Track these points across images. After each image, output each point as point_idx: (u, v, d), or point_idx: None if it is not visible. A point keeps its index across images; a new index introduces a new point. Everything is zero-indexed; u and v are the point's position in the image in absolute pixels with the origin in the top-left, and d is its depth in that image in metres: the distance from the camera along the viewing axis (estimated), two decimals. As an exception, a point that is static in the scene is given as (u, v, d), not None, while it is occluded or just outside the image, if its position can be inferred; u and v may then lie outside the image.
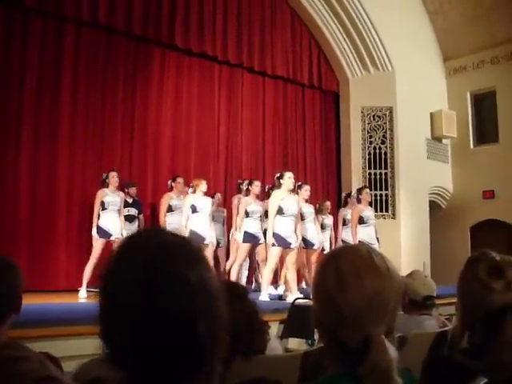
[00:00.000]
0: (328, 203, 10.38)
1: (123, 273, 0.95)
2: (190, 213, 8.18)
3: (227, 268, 8.90)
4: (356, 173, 12.67)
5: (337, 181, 13.07)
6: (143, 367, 0.93)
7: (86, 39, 9.45)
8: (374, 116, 12.85)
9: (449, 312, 5.39)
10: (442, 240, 12.96)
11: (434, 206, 13.44)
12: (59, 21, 9.14)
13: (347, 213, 9.85)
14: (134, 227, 8.72)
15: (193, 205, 8.17)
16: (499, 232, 12.47)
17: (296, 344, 5.46)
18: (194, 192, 8.29)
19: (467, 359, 1.55)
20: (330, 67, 12.96)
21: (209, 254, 8.11)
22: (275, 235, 7.76)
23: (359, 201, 9.47)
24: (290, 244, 7.86)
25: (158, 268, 0.94)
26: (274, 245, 7.77)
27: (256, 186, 8.75)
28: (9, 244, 8.11)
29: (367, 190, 9.91)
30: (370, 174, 12.69)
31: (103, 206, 8.20)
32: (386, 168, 12.70)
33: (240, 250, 8.50)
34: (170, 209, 8.82)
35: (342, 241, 9.71)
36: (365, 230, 9.15)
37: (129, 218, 8.85)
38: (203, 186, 8.31)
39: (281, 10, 12.03)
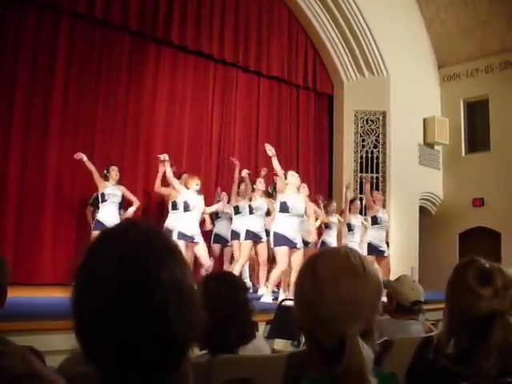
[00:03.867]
0: (334, 204, 10.32)
1: (96, 268, 0.94)
2: (181, 210, 8.02)
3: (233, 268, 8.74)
4: (347, 176, 12.68)
5: (328, 183, 13.07)
6: (115, 365, 0.92)
7: (81, 32, 9.40)
8: (367, 120, 12.88)
9: (435, 317, 5.40)
10: (430, 246, 13.01)
11: (423, 212, 13.49)
12: (54, 13, 9.09)
13: (352, 218, 9.89)
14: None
15: (186, 201, 7.97)
16: (488, 240, 12.55)
17: (282, 345, 5.45)
18: (187, 188, 8.06)
19: (452, 365, 1.55)
20: (325, 70, 12.97)
21: (201, 252, 8.04)
22: (279, 235, 7.58)
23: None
24: (296, 244, 7.65)
25: (131, 264, 0.92)
26: (279, 245, 7.58)
27: (260, 183, 8.63)
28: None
29: (376, 192, 10.22)
30: (361, 177, 12.71)
31: (103, 198, 8.17)
32: (377, 172, 12.73)
33: (242, 248, 8.30)
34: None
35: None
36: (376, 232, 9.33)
37: None
38: (194, 182, 8.06)
39: (278, 10, 12.04)
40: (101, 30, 9.65)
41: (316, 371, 1.23)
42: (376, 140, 12.82)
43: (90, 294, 0.93)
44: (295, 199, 7.78)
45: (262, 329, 5.83)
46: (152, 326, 0.91)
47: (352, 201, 10.29)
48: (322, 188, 12.82)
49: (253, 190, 8.65)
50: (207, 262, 8.04)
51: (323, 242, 9.81)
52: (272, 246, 7.81)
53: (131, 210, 8.60)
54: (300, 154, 12.62)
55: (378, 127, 12.82)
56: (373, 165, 12.75)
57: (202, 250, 8.07)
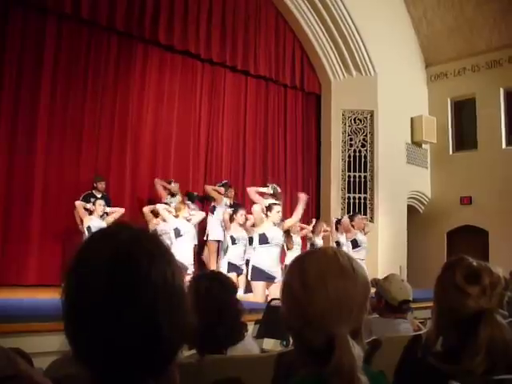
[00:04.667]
0: (323, 224, 10.13)
1: (87, 267, 0.94)
2: (172, 237, 7.92)
3: None
4: (335, 175, 12.72)
5: (316, 183, 13.09)
6: (103, 365, 0.92)
7: (67, 33, 9.35)
8: (354, 119, 12.90)
9: (424, 316, 5.42)
10: (418, 244, 13.06)
11: (411, 211, 13.54)
12: (40, 13, 9.04)
13: (340, 236, 9.84)
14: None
15: (176, 228, 7.94)
16: (475, 238, 12.62)
17: (271, 344, 5.45)
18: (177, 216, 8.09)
19: (441, 363, 1.55)
20: (312, 69, 12.99)
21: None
22: (256, 269, 7.48)
23: (352, 226, 9.56)
24: (274, 278, 7.48)
25: (121, 265, 0.92)
26: (255, 279, 7.48)
27: (241, 215, 8.48)
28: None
29: (359, 216, 10.16)
30: (349, 176, 12.75)
31: (89, 231, 8.04)
32: (365, 171, 12.76)
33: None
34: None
35: None
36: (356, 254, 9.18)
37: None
38: (185, 212, 8.09)
39: (265, 10, 12.03)
40: (87, 30, 9.60)
41: (304, 370, 1.22)
42: (364, 139, 12.85)
43: (79, 295, 0.93)
44: (274, 230, 7.68)
45: (251, 328, 5.83)
46: (140, 326, 0.91)
47: (338, 221, 10.22)
48: (310, 188, 12.84)
49: (232, 220, 8.60)
50: None
51: None
52: (249, 279, 7.72)
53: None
54: (288, 154, 12.63)
55: (365, 126, 12.85)
56: (361, 164, 12.77)
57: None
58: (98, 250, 0.95)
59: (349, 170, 12.80)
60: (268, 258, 7.51)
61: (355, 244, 9.40)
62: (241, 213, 8.55)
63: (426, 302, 5.67)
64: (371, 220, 12.37)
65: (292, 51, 12.55)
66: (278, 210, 7.82)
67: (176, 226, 7.96)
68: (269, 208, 7.91)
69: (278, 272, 7.55)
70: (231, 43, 11.31)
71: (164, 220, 8.40)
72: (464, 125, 13.77)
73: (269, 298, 7.12)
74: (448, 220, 13.25)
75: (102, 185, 9.09)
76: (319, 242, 9.89)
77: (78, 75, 9.47)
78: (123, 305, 0.90)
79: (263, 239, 7.63)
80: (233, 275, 7.93)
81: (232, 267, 8.25)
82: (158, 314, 0.92)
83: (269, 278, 7.48)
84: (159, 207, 8.53)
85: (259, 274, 7.47)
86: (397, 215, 12.73)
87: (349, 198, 12.63)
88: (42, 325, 4.21)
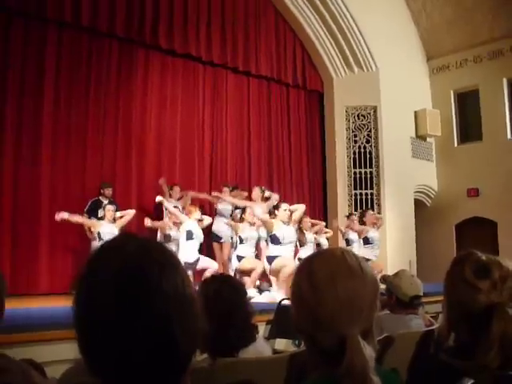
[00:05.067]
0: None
1: (97, 279, 0.94)
2: (183, 239, 8.09)
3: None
4: (341, 172, 12.70)
5: (322, 180, 13.08)
6: (117, 376, 0.92)
7: (68, 41, 9.37)
8: (358, 115, 12.88)
9: (435, 310, 5.41)
10: (427, 238, 13.03)
11: (419, 205, 13.50)
12: (41, 22, 9.06)
13: (350, 234, 9.86)
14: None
15: (189, 231, 8.04)
16: (484, 229, 12.58)
17: (283, 344, 5.45)
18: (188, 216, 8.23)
19: (454, 359, 1.54)
20: (314, 67, 12.97)
21: (207, 262, 8.21)
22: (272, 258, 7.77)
23: (363, 223, 9.55)
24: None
25: (131, 275, 0.92)
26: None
27: (249, 215, 8.54)
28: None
29: (370, 211, 10.21)
30: (355, 173, 12.72)
31: (99, 237, 8.04)
32: (371, 167, 12.74)
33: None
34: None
35: None
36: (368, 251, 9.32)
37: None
38: (197, 213, 8.24)
39: (264, 10, 12.02)
40: (88, 37, 9.61)
41: (316, 372, 1.22)
42: (368, 135, 12.83)
43: (90, 307, 0.93)
44: (285, 229, 7.81)
45: (263, 329, 5.83)
46: (153, 337, 0.91)
47: (348, 216, 10.31)
48: (316, 186, 12.84)
49: (242, 219, 8.68)
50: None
51: None
52: (268, 268, 7.91)
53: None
54: (292, 153, 12.62)
55: (369, 122, 12.82)
56: (366, 160, 12.75)
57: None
58: (106, 263, 0.95)
59: (354, 167, 12.77)
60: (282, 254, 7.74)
61: (366, 241, 9.39)
62: (249, 212, 8.58)
63: (436, 296, 5.66)
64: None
65: (293, 50, 12.54)
66: (284, 208, 7.84)
67: (189, 229, 8.01)
68: (276, 207, 7.94)
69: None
70: (232, 44, 11.31)
71: (174, 222, 8.41)
72: (468, 117, 13.73)
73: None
74: (456, 212, 13.21)
75: (108, 191, 9.10)
76: (324, 241, 9.90)
77: (80, 82, 9.49)
78: (135, 317, 0.90)
79: (275, 239, 7.68)
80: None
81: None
82: (170, 323, 0.92)
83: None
84: (168, 206, 8.53)
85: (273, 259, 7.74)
86: (404, 210, 12.70)
87: (355, 194, 12.61)
88: (54, 333, 4.23)
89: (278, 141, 12.45)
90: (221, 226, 9.51)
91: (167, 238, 8.58)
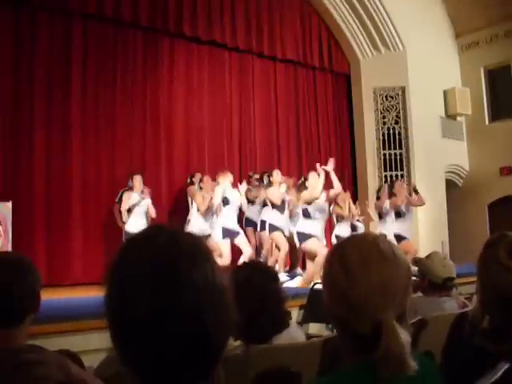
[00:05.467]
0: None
1: (128, 272, 0.95)
2: (221, 205, 8.21)
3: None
4: (371, 154, 12.61)
5: (352, 164, 13.00)
6: (150, 368, 0.93)
7: (93, 32, 9.43)
8: (386, 96, 12.75)
9: (469, 291, 5.36)
10: (459, 218, 12.88)
11: (450, 185, 13.35)
12: (66, 15, 9.13)
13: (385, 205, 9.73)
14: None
15: (225, 197, 8.18)
16: (518, 208, 12.38)
17: (316, 329, 5.46)
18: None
19: (488, 342, 1.53)
20: (340, 49, 12.85)
21: (243, 244, 8.24)
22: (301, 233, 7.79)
23: (393, 194, 9.42)
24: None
25: (162, 268, 0.93)
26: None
27: (277, 175, 8.57)
28: (26, 239, 8.20)
29: (399, 182, 10.03)
30: (384, 154, 12.62)
31: (129, 209, 8.25)
32: (400, 148, 12.62)
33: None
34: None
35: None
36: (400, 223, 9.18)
37: None
38: (230, 178, 8.36)
39: (289, -7, 11.92)
40: (112, 28, 9.67)
41: (349, 358, 1.22)
42: (397, 116, 12.70)
43: (121, 300, 0.94)
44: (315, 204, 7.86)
45: (296, 314, 5.85)
46: (185, 328, 0.92)
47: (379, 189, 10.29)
48: (346, 169, 12.77)
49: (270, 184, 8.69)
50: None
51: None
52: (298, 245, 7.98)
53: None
54: (320, 136, 12.56)
55: (397, 103, 12.69)
56: (395, 141, 12.63)
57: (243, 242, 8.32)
58: (137, 255, 0.96)
59: (383, 148, 12.67)
60: (312, 230, 7.78)
61: (399, 214, 9.23)
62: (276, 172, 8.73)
63: (470, 277, 5.61)
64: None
65: (318, 33, 12.43)
66: (312, 174, 7.93)
67: (225, 196, 8.21)
68: (306, 179, 8.00)
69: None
70: (256, 29, 11.25)
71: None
72: (499, 93, 13.47)
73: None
74: (488, 192, 13.01)
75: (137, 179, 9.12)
76: (359, 224, 9.84)
77: (106, 73, 9.56)
78: (166, 309, 0.91)
79: (306, 214, 7.80)
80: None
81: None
82: (202, 314, 0.93)
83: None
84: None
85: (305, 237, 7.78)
86: (435, 190, 12.55)
87: (385, 176, 12.52)
88: (91, 322, 4.30)
89: (307, 125, 12.39)
90: (254, 213, 9.43)
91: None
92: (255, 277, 2.42)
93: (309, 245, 7.77)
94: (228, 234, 8.11)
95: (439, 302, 3.35)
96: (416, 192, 9.56)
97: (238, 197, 8.39)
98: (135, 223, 8.03)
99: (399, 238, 8.94)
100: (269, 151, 11.66)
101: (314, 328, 5.54)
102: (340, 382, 1.18)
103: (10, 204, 7.47)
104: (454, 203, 13.02)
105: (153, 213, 8.38)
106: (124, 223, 8.73)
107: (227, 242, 8.08)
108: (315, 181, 7.86)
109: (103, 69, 9.52)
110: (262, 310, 2.31)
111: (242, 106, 11.38)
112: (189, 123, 10.52)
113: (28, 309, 1.70)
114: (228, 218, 8.18)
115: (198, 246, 1.00)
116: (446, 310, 3.21)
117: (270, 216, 8.28)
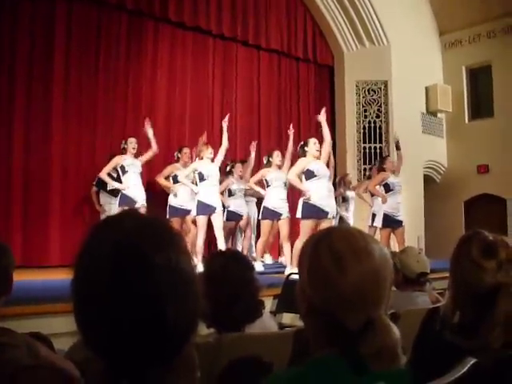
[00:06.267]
0: (350, 176, 10.79)
1: (93, 254, 0.95)
2: (197, 180, 7.89)
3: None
4: (351, 147, 12.65)
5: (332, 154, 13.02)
6: (110, 350, 0.93)
7: (77, 13, 9.29)
8: (368, 90, 12.79)
9: (442, 286, 5.41)
10: (436, 214, 13.00)
11: (428, 181, 13.46)
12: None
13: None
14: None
15: (200, 172, 7.82)
16: (493, 207, 12.54)
17: (290, 319, 5.49)
18: (201, 159, 7.97)
19: (457, 337, 1.55)
20: (325, 41, 12.85)
21: (217, 223, 7.78)
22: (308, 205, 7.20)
23: (383, 169, 9.15)
24: (327, 214, 7.26)
25: (126, 251, 0.93)
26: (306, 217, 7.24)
27: (277, 156, 8.43)
28: (3, 220, 8.13)
29: (390, 158, 9.83)
30: (364, 148, 12.68)
31: (123, 170, 8.14)
32: (380, 142, 12.68)
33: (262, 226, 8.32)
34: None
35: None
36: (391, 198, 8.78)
37: (114, 193, 8.73)
38: (208, 151, 7.95)
39: (275, -18, 11.87)
40: (97, 10, 9.54)
41: (322, 350, 1.21)
42: (378, 110, 12.75)
43: (85, 281, 0.94)
44: (317, 163, 7.47)
45: (270, 303, 5.87)
46: (144, 312, 0.91)
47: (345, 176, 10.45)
48: (326, 160, 12.77)
49: (269, 165, 8.55)
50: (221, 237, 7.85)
51: (341, 217, 9.84)
52: (298, 217, 7.44)
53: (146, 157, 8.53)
54: (301, 127, 12.54)
55: (379, 97, 12.74)
56: (376, 135, 12.69)
57: (220, 220, 7.90)
58: (103, 238, 0.96)
59: (364, 142, 12.72)
60: (317, 192, 7.24)
61: (387, 188, 9.03)
62: (276, 153, 8.66)
63: (444, 273, 5.67)
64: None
65: (303, 23, 12.40)
66: (314, 141, 7.68)
67: (199, 170, 7.89)
68: (305, 143, 7.74)
69: (330, 206, 7.32)
70: (242, 17, 11.19)
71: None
72: (480, 93, 13.59)
73: None
74: (465, 189, 13.15)
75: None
76: (350, 193, 10.02)
77: (89, 56, 9.44)
78: (127, 294, 0.91)
79: (309, 174, 7.41)
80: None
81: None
82: (162, 299, 0.92)
83: (320, 214, 7.21)
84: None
85: (309, 210, 7.22)
86: (413, 185, 12.63)
87: (365, 169, 12.58)
88: (63, 305, 4.27)
89: (287, 114, 12.38)
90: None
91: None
92: (230, 265, 2.42)
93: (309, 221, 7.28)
94: (204, 209, 7.73)
95: (412, 296, 3.39)
96: (398, 148, 9.48)
97: (216, 171, 8.00)
98: (133, 186, 8.04)
99: (394, 221, 8.69)
100: (249, 140, 11.61)
101: (288, 318, 5.57)
102: (313, 372, 1.16)
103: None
104: (432, 199, 13.13)
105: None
106: (101, 206, 8.70)
107: (203, 217, 7.73)
108: (313, 148, 7.52)
109: (86, 52, 9.39)
110: (235, 298, 2.31)
111: (225, 94, 11.33)
112: (170, 109, 10.45)
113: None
114: (205, 193, 7.77)
115: (165, 231, 0.99)
116: (418, 305, 3.25)
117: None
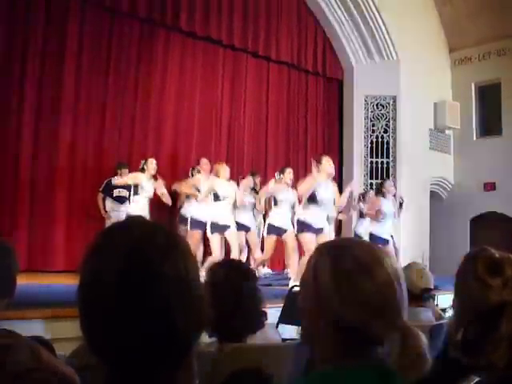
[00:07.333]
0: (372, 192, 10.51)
1: (100, 262, 0.94)
2: (212, 200, 7.88)
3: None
4: (358, 161, 12.65)
5: (338, 169, 13.00)
6: (117, 359, 0.92)
7: (90, 20, 9.37)
8: (377, 105, 12.81)
9: (448, 303, 5.39)
10: (442, 231, 12.96)
11: (434, 197, 13.43)
12: (63, 1, 9.06)
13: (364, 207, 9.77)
14: (124, 208, 8.67)
15: (215, 193, 7.83)
16: (500, 225, 12.48)
17: (292, 332, 5.46)
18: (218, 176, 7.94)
19: (461, 355, 1.54)
20: (334, 54, 12.88)
21: (233, 241, 7.89)
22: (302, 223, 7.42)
23: (382, 193, 9.12)
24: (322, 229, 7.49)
25: (134, 259, 0.92)
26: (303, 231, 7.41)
27: (288, 174, 8.28)
28: (8, 226, 8.14)
29: (389, 182, 9.73)
30: (371, 162, 12.68)
31: (136, 191, 8.16)
32: (387, 157, 12.68)
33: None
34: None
35: (355, 234, 9.62)
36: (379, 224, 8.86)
37: (120, 200, 8.78)
38: (225, 171, 7.94)
39: (287, -5, 11.92)
40: (109, 17, 9.62)
41: (329, 363, 1.19)
42: (386, 125, 12.76)
43: (92, 290, 0.94)
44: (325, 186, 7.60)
45: (274, 315, 5.83)
46: (154, 320, 0.91)
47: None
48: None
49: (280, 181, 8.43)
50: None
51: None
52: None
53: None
54: (308, 140, 12.57)
55: (388, 112, 12.75)
56: (383, 150, 12.69)
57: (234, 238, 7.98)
58: (110, 246, 0.95)
59: (371, 156, 12.73)
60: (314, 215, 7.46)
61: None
62: (288, 171, 8.45)
63: (449, 290, 5.64)
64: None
65: (314, 36, 12.45)
66: (327, 159, 7.67)
67: (215, 190, 7.88)
68: (319, 161, 7.70)
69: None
70: (253, 29, 11.24)
71: None
72: (488, 110, 13.57)
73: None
74: (472, 206, 13.10)
75: (125, 171, 9.00)
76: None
77: (100, 63, 9.51)
78: (135, 302, 0.90)
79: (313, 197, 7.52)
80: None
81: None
82: (171, 308, 0.92)
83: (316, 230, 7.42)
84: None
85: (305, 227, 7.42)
86: (419, 201, 12.62)
87: (371, 184, 12.56)
88: (67, 310, 4.27)
89: (295, 127, 12.41)
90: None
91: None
92: (233, 275, 2.42)
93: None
94: (218, 229, 7.80)
95: (415, 312, 3.37)
96: (400, 206, 9.48)
97: (232, 192, 7.99)
98: (139, 211, 7.91)
99: (378, 239, 8.65)
100: (257, 151, 11.66)
101: (290, 331, 5.54)
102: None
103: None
104: (438, 216, 13.10)
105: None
106: (106, 212, 8.73)
107: (216, 236, 7.80)
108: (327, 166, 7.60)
109: (97, 58, 9.47)
110: (237, 308, 2.30)
111: (233, 104, 11.37)
112: (178, 118, 10.49)
113: (2, 293, 1.68)
114: (218, 212, 7.81)
115: (173, 241, 0.99)
116: (421, 321, 3.23)
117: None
